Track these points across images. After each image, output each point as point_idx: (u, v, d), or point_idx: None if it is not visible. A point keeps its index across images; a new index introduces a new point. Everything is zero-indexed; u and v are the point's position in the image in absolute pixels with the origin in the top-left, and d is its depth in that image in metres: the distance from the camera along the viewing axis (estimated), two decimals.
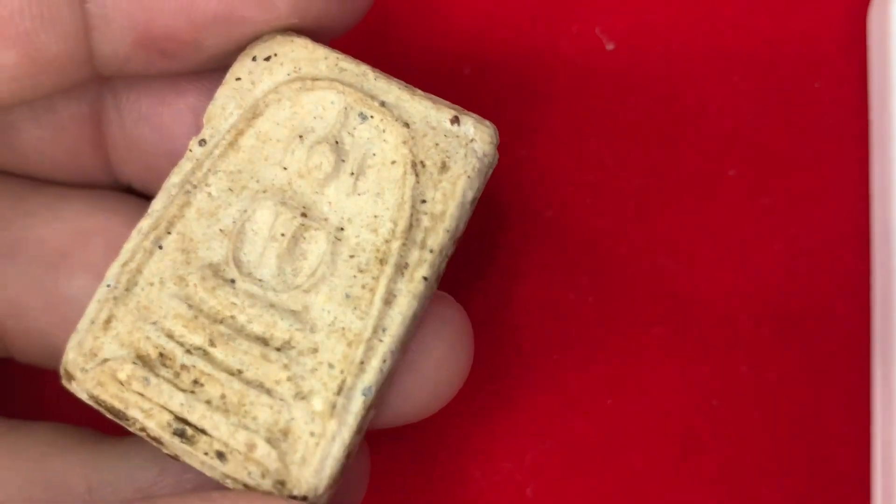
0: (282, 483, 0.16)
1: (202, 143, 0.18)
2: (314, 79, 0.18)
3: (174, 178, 0.18)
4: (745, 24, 0.25)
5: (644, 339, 0.24)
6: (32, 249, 0.21)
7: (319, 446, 0.16)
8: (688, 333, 0.24)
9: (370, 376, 0.17)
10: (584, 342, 0.24)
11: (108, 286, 0.17)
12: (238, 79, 0.18)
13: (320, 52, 0.19)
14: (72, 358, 0.17)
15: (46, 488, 0.20)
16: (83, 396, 0.17)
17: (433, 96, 0.19)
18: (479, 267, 0.24)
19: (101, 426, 0.21)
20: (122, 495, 0.21)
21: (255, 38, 0.19)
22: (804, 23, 0.25)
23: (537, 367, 0.24)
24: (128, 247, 0.18)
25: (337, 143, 0.18)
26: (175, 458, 0.17)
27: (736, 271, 0.24)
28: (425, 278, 0.17)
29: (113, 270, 0.18)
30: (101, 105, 0.20)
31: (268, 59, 0.18)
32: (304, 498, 0.16)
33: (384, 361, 0.17)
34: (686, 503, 0.23)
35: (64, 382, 0.17)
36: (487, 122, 0.18)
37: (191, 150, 0.18)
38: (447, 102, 0.19)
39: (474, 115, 0.19)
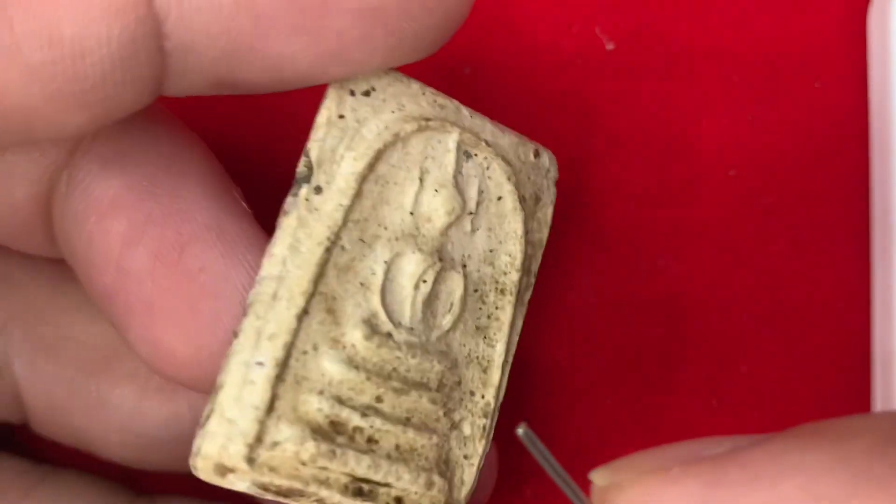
0: None
1: (318, 190, 0.17)
2: (426, 119, 0.18)
3: (293, 233, 0.17)
4: (745, 24, 0.25)
5: (644, 339, 0.24)
6: (73, 351, 0.21)
7: (474, 466, 0.18)
8: (688, 333, 0.24)
9: (502, 394, 0.19)
10: (584, 342, 0.24)
11: (260, 364, 0.16)
12: (341, 116, 0.17)
13: (415, 86, 0.18)
14: (232, 451, 0.15)
15: None
16: (244, 487, 0.16)
17: (508, 128, 0.19)
18: None
19: (125, 478, 0.21)
20: None
21: None
22: (804, 23, 0.25)
23: (537, 367, 0.24)
24: (271, 317, 0.16)
25: (457, 183, 0.18)
26: None
27: (736, 271, 0.24)
28: (529, 300, 0.19)
29: (263, 346, 0.16)
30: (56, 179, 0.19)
31: (366, 93, 0.17)
32: None
33: (507, 377, 0.19)
34: None
35: (212, 479, 0.16)
36: (550, 152, 0.20)
37: (307, 200, 0.17)
38: (516, 132, 0.19)
39: (539, 145, 0.20)
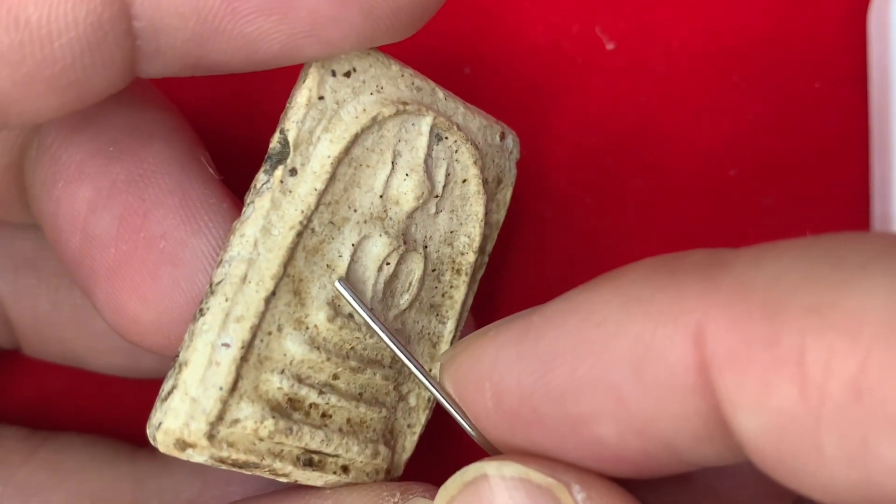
0: (389, 471, 0.18)
1: (293, 172, 0.17)
2: (403, 103, 0.18)
3: (265, 214, 0.17)
4: (745, 24, 0.25)
5: None
6: (54, 262, 0.21)
7: (416, 434, 0.19)
8: None
9: None
10: None
11: (227, 345, 0.16)
12: (321, 98, 0.17)
13: (395, 67, 0.18)
14: (194, 429, 0.16)
15: (91, 501, 0.20)
16: (201, 460, 0.16)
17: (478, 109, 0.19)
18: None
19: (124, 436, 0.21)
20: None
21: None
22: (804, 23, 0.25)
23: None
24: (240, 299, 0.16)
25: (427, 167, 0.18)
26: (294, 482, 0.17)
27: None
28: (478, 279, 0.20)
29: (230, 328, 0.16)
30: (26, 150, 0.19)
31: (347, 74, 0.17)
32: (399, 476, 0.19)
33: None
34: None
35: (171, 451, 0.16)
36: (513, 132, 0.20)
37: (282, 182, 0.17)
38: (485, 113, 0.19)
39: (504, 125, 0.20)
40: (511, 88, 0.25)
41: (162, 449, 0.16)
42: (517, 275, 0.24)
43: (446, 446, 0.23)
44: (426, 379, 0.17)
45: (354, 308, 0.17)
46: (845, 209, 0.24)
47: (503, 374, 0.16)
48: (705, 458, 0.15)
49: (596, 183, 0.24)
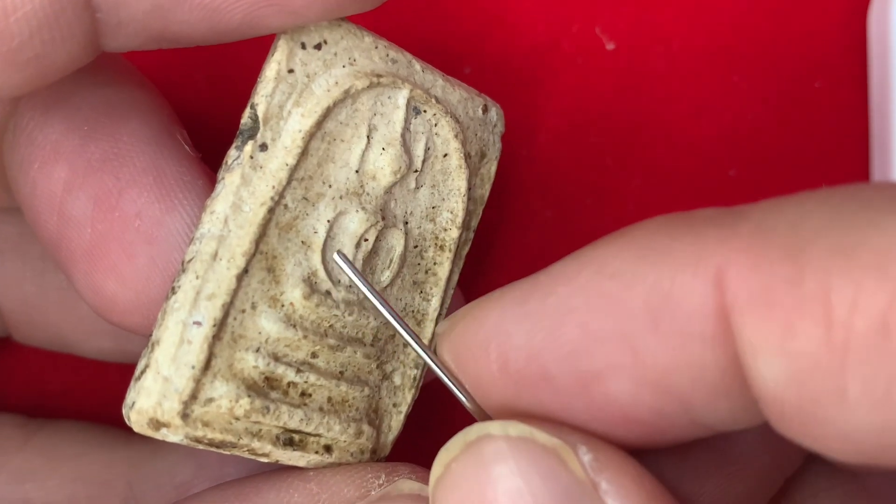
0: (374, 451, 0.18)
1: (264, 147, 0.17)
2: (378, 75, 0.17)
3: (236, 190, 0.16)
4: (745, 24, 0.25)
5: None
6: (38, 245, 0.21)
7: (402, 414, 0.18)
8: None
9: (434, 346, 0.19)
10: None
11: (198, 324, 0.16)
12: (291, 71, 0.17)
13: (368, 39, 0.17)
14: (167, 408, 0.16)
15: (87, 486, 0.20)
16: (176, 439, 0.16)
17: (460, 82, 0.19)
18: (478, 266, 0.24)
19: (120, 422, 0.21)
20: (162, 491, 0.21)
21: None
22: (804, 23, 0.25)
23: None
24: (210, 277, 0.16)
25: (405, 141, 0.18)
26: (274, 462, 0.17)
27: None
28: (465, 255, 0.19)
29: (202, 305, 0.16)
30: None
31: (318, 47, 0.17)
32: (386, 456, 0.18)
33: None
34: None
35: (145, 431, 0.16)
36: (497, 104, 0.20)
37: (252, 158, 0.17)
38: (467, 86, 0.19)
39: (488, 98, 0.19)
40: (511, 88, 0.25)
41: (136, 429, 0.16)
42: (517, 275, 0.24)
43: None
44: (419, 346, 0.17)
45: (352, 279, 0.17)
46: None
47: (510, 333, 0.15)
48: (719, 418, 0.14)
49: (596, 183, 0.24)
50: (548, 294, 0.15)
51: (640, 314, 0.14)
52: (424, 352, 0.17)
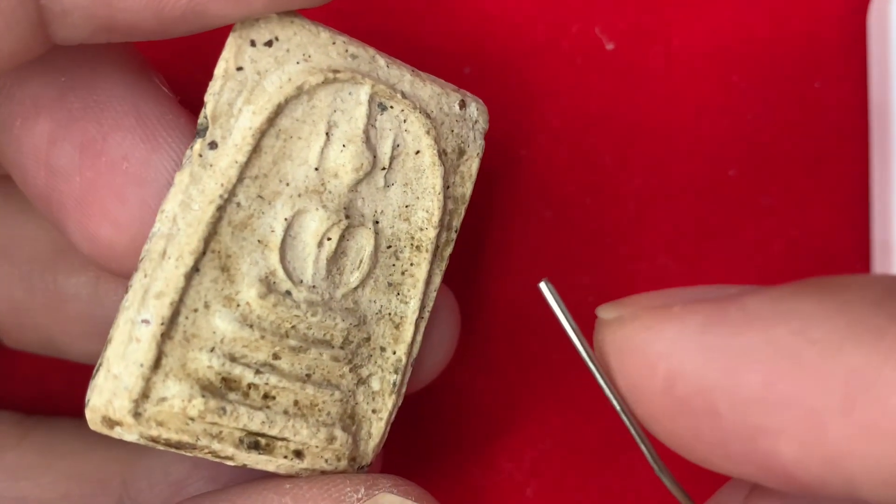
0: (353, 459, 0.18)
1: (213, 145, 0.17)
2: (334, 70, 0.17)
3: (185, 189, 0.16)
4: (745, 24, 0.25)
5: None
6: (26, 248, 0.21)
7: (382, 420, 0.18)
8: None
9: (416, 349, 0.19)
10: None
11: (146, 322, 0.16)
12: (240, 68, 0.17)
13: (324, 35, 0.17)
14: (118, 405, 0.16)
15: (81, 483, 0.20)
16: (132, 439, 0.16)
17: (434, 77, 0.19)
18: (478, 266, 0.24)
19: None
20: (157, 489, 0.21)
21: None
22: (804, 23, 0.25)
23: (537, 366, 0.24)
24: (158, 275, 0.16)
25: (368, 138, 0.18)
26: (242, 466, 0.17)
27: (736, 272, 0.24)
28: (449, 256, 0.19)
29: (150, 304, 0.16)
30: None
31: (269, 44, 0.17)
32: (368, 465, 0.18)
33: (422, 334, 0.19)
34: None
35: (101, 429, 0.16)
36: (480, 100, 0.19)
37: (200, 156, 0.17)
38: (442, 81, 0.19)
39: (468, 94, 0.19)
40: (511, 88, 0.25)
41: (92, 426, 0.16)
42: (517, 275, 0.24)
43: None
44: (585, 353, 0.16)
45: (555, 310, 0.16)
46: (845, 209, 0.24)
47: (683, 361, 0.14)
48: (883, 501, 0.14)
49: (596, 183, 0.24)
50: (735, 333, 0.14)
51: (834, 393, 0.13)
52: (588, 357, 0.16)
